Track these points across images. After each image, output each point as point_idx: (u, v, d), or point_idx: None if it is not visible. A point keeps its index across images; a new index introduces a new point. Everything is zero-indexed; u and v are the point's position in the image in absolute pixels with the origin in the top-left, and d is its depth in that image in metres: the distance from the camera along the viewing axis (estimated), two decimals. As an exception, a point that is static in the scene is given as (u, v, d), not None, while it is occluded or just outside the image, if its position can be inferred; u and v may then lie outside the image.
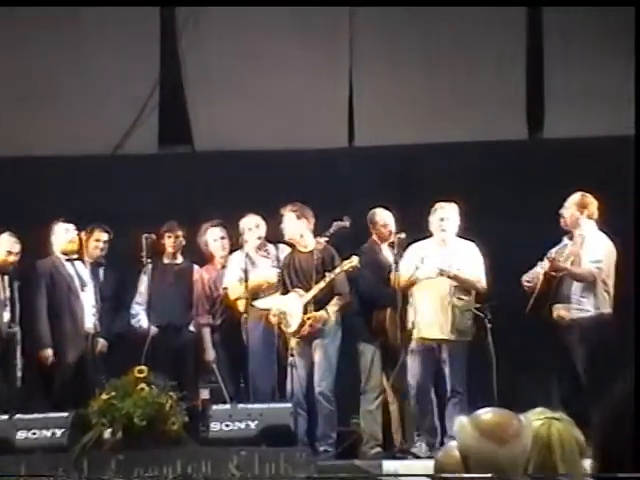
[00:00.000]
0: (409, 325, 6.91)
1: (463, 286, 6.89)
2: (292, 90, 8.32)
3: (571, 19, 8.21)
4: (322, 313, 6.92)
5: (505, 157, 8.04)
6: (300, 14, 8.25)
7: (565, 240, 6.89)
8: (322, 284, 6.90)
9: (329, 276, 6.90)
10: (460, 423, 2.46)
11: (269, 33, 8.34)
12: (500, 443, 2.35)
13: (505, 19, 8.28)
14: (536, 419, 2.55)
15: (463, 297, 6.88)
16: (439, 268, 6.88)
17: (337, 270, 6.92)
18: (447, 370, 6.88)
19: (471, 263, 6.95)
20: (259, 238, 7.25)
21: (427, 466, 3.28)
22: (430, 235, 7.01)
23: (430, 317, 6.86)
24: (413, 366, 6.93)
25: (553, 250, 6.75)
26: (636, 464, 1.09)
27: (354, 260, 6.91)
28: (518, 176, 7.98)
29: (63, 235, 7.27)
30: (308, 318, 6.91)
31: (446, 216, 6.97)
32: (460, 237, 7.04)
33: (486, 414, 2.45)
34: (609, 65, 8.08)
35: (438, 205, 6.98)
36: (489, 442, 2.36)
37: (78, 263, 7.32)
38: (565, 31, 8.27)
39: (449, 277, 6.86)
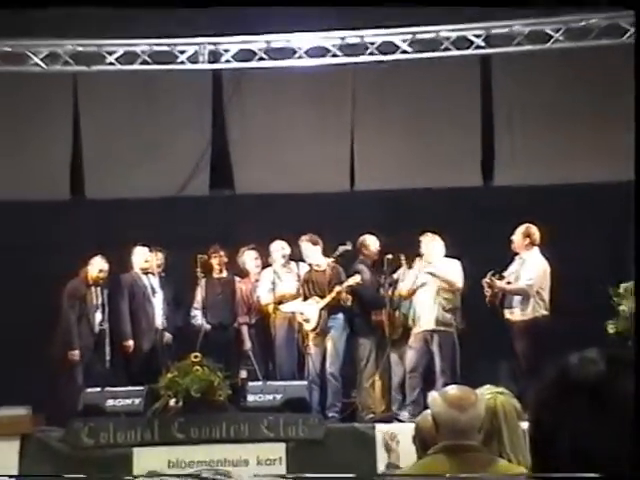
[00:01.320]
0: (409, 322, 6.89)
1: (445, 284, 6.83)
2: (307, 148, 8.35)
3: (519, 91, 8.08)
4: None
5: (467, 199, 8.11)
6: (311, 82, 8.08)
7: (516, 259, 6.93)
8: (333, 294, 6.95)
9: (338, 288, 6.95)
10: (432, 396, 2.53)
11: (290, 102, 8.28)
12: (461, 411, 2.38)
13: (462, 90, 8.26)
14: (485, 393, 2.58)
15: (447, 297, 6.87)
16: (429, 271, 6.86)
17: (344, 284, 6.96)
18: (437, 357, 6.80)
19: (450, 269, 6.91)
20: (284, 257, 7.19)
21: (409, 427, 3.40)
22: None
23: (425, 314, 6.86)
24: (410, 355, 6.90)
25: (489, 274, 6.72)
26: (636, 463, 1.11)
27: (357, 277, 6.97)
28: (478, 212, 8.01)
29: (140, 256, 7.26)
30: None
31: (428, 242, 6.98)
32: (446, 257, 6.98)
33: (451, 390, 2.50)
34: (552, 125, 8.02)
35: (423, 236, 6.99)
36: (453, 410, 2.39)
37: (151, 276, 7.28)
38: (514, 98, 8.12)
39: (433, 275, 6.83)
